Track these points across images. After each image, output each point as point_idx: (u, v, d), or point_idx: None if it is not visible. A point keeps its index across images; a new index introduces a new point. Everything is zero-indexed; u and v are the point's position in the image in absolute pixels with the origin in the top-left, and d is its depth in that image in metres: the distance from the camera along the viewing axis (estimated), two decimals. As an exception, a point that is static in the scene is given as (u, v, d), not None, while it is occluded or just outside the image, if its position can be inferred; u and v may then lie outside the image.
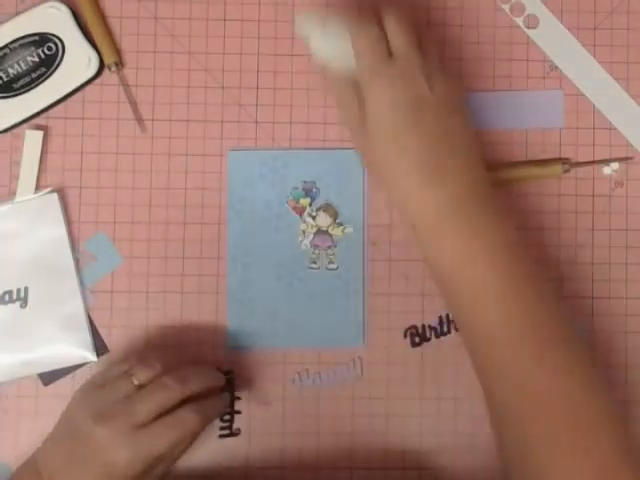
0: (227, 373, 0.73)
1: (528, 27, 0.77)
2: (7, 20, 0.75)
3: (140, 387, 0.65)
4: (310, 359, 0.74)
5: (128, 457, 0.61)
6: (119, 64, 0.75)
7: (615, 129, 0.77)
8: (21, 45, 0.74)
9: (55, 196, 0.74)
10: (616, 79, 0.77)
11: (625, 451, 0.59)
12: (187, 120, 0.76)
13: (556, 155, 0.76)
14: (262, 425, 0.74)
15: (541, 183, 0.76)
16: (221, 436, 0.73)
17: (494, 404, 0.63)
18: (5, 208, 0.74)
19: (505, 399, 0.62)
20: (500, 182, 0.76)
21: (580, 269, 0.76)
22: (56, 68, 0.74)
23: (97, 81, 0.75)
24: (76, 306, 0.73)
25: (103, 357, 0.74)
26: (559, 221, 0.76)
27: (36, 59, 0.74)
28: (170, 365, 0.67)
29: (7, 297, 0.73)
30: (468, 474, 0.74)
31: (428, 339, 0.75)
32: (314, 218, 0.75)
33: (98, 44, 0.75)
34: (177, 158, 0.76)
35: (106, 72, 0.75)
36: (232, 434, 0.73)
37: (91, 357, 0.74)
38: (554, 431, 0.59)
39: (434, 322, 0.75)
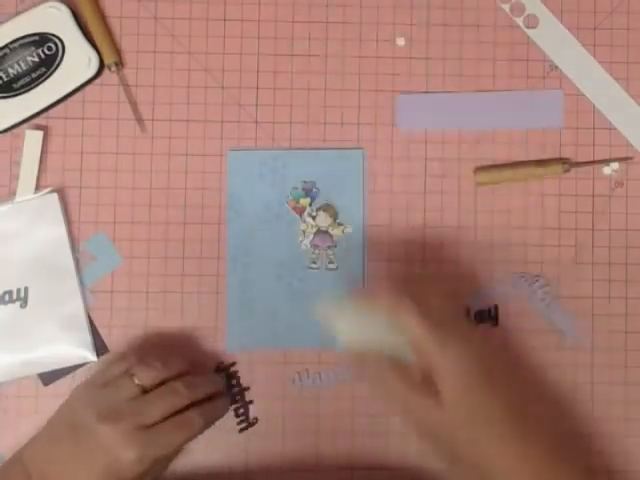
0: (229, 367, 0.73)
1: (528, 27, 0.77)
2: (7, 20, 0.75)
3: (142, 387, 0.66)
4: (310, 359, 0.74)
5: (134, 457, 0.62)
6: (119, 64, 0.75)
7: (615, 129, 0.77)
8: (21, 45, 0.74)
9: (55, 196, 0.74)
10: (616, 79, 0.77)
11: None
12: (187, 120, 0.76)
13: (556, 155, 0.77)
14: (262, 425, 0.74)
15: (541, 183, 0.76)
16: (241, 430, 0.73)
17: None
18: (5, 208, 0.74)
19: None
20: (500, 182, 0.76)
21: (580, 269, 0.76)
22: (56, 68, 0.74)
23: (97, 81, 0.75)
24: (76, 306, 0.73)
25: (103, 357, 0.74)
26: (559, 221, 0.76)
27: (36, 59, 0.74)
28: (169, 363, 0.68)
29: (7, 297, 0.73)
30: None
31: (428, 339, 0.75)
32: (314, 218, 0.75)
33: (98, 44, 0.75)
34: (177, 158, 0.76)
35: (106, 72, 0.75)
36: (250, 424, 0.73)
37: (91, 357, 0.74)
38: None
39: (434, 322, 0.75)
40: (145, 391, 0.66)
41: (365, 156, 0.76)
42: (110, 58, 0.75)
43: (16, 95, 0.74)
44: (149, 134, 0.76)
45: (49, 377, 0.74)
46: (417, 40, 0.77)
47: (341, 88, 0.76)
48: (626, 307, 0.76)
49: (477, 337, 0.66)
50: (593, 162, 0.76)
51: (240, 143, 0.76)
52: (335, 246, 0.75)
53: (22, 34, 0.74)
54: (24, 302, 0.73)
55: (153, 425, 0.64)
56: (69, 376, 0.74)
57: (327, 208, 0.75)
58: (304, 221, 0.75)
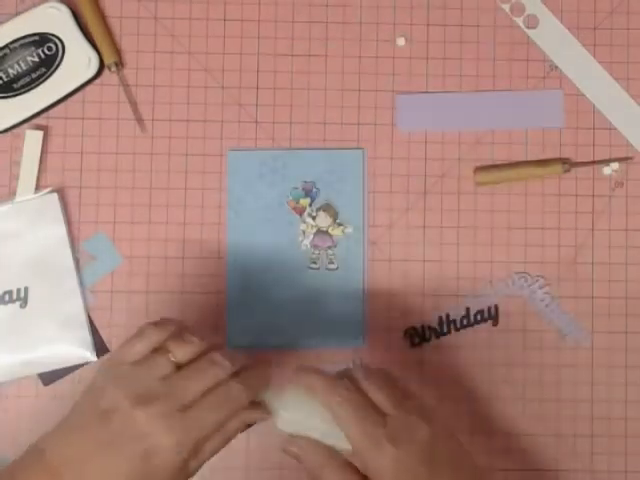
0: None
1: (528, 27, 0.77)
2: (7, 20, 0.75)
3: (177, 364, 0.59)
4: (310, 359, 0.74)
5: (174, 442, 0.56)
6: (119, 64, 0.75)
7: (615, 129, 0.77)
8: (21, 45, 0.74)
9: (55, 196, 0.74)
10: (616, 79, 0.77)
11: None
12: (187, 120, 0.76)
13: (556, 155, 0.77)
14: (262, 425, 0.74)
15: (541, 183, 0.76)
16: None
17: None
18: (5, 208, 0.74)
19: None
20: (500, 182, 0.76)
21: (580, 269, 0.76)
22: (56, 68, 0.74)
23: (97, 81, 0.75)
24: (76, 306, 0.73)
25: (103, 357, 0.74)
26: (559, 221, 0.76)
27: (36, 59, 0.74)
28: (206, 338, 0.61)
29: (7, 297, 0.73)
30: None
31: (428, 339, 0.75)
32: (314, 218, 0.75)
33: (98, 44, 0.75)
34: (177, 158, 0.76)
35: (106, 72, 0.75)
36: (249, 425, 0.72)
37: (91, 357, 0.74)
38: None
39: (434, 322, 0.75)
40: (179, 367, 0.59)
41: (365, 156, 0.76)
42: (110, 58, 0.75)
43: (16, 95, 0.74)
44: (149, 134, 0.76)
45: (49, 377, 0.74)
46: (417, 40, 0.77)
47: (341, 88, 0.76)
48: (626, 307, 0.76)
49: (422, 433, 0.60)
50: (593, 162, 0.76)
51: (240, 143, 0.76)
52: (335, 246, 0.75)
53: (22, 34, 0.74)
54: (24, 302, 0.73)
55: (193, 404, 0.57)
56: (69, 376, 0.74)
57: (327, 208, 0.75)
58: (304, 221, 0.75)
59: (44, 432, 0.59)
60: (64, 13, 0.74)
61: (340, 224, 0.75)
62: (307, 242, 0.75)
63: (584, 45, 0.77)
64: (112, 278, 0.75)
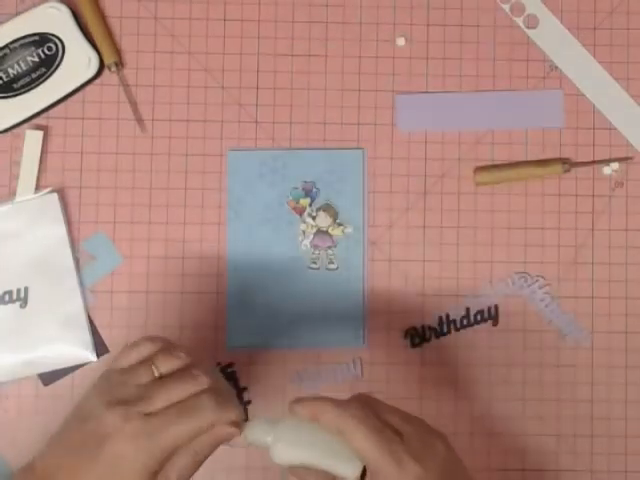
0: (226, 368, 0.73)
1: (528, 27, 0.77)
2: (7, 20, 0.75)
3: (161, 376, 0.59)
4: (310, 359, 0.74)
5: (135, 446, 0.55)
6: (119, 64, 0.75)
7: (615, 129, 0.77)
8: (21, 45, 0.74)
9: (55, 196, 0.74)
10: (616, 79, 0.77)
11: None
12: (187, 120, 0.76)
13: (556, 155, 0.77)
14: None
15: (541, 183, 0.76)
16: None
17: None
18: (5, 208, 0.74)
19: None
20: (500, 182, 0.76)
21: (580, 269, 0.76)
22: (56, 68, 0.74)
23: (97, 81, 0.75)
24: (76, 306, 0.73)
25: (103, 357, 0.74)
26: (559, 221, 0.76)
27: (36, 59, 0.74)
28: (191, 353, 0.61)
29: (7, 297, 0.73)
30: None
31: (428, 339, 0.75)
32: (314, 218, 0.75)
33: (98, 44, 0.75)
34: (177, 158, 0.76)
35: (106, 72, 0.75)
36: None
37: (91, 357, 0.74)
38: None
39: (434, 322, 0.75)
40: (161, 378, 0.59)
41: (365, 156, 0.76)
42: (110, 58, 0.75)
43: (16, 95, 0.74)
44: (149, 134, 0.76)
45: (49, 377, 0.74)
46: (417, 40, 0.77)
47: (341, 88, 0.76)
48: (626, 307, 0.76)
49: (439, 449, 0.59)
50: (593, 162, 0.76)
51: (240, 143, 0.76)
52: (335, 246, 0.75)
53: (22, 34, 0.74)
54: (24, 302, 0.73)
55: (160, 411, 0.57)
56: (69, 376, 0.74)
57: (327, 208, 0.75)
58: (304, 221, 0.75)
59: (44, 432, 0.59)
60: (64, 13, 0.74)
61: (340, 224, 0.75)
62: (307, 242, 0.75)
63: (584, 45, 0.77)
64: (112, 278, 0.75)
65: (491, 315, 0.75)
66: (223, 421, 0.58)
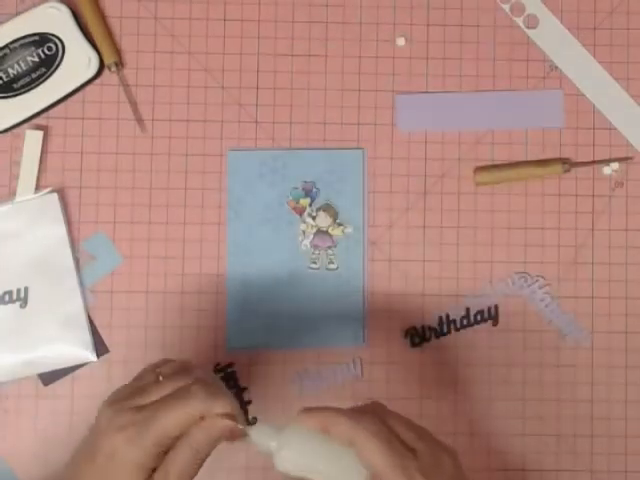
0: (226, 368, 0.73)
1: (528, 27, 0.77)
2: (7, 20, 0.75)
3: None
4: (310, 359, 0.74)
5: (125, 437, 0.55)
6: (119, 64, 0.75)
7: (615, 129, 0.77)
8: (21, 45, 0.74)
9: (55, 196, 0.74)
10: (616, 79, 0.77)
11: None
12: (187, 120, 0.76)
13: (556, 155, 0.77)
14: (262, 425, 0.74)
15: (541, 183, 0.76)
16: None
17: None
18: (5, 208, 0.74)
19: None
20: (500, 182, 0.76)
21: (580, 269, 0.76)
22: (56, 68, 0.74)
23: (97, 81, 0.75)
24: (76, 306, 0.73)
25: (103, 357, 0.74)
26: (559, 221, 0.76)
27: (36, 59, 0.74)
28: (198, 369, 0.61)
29: (7, 297, 0.73)
30: (467, 474, 0.74)
31: (428, 339, 0.75)
32: (314, 218, 0.75)
33: (98, 44, 0.75)
34: (177, 158, 0.76)
35: (106, 72, 0.75)
36: (249, 425, 0.72)
37: (91, 357, 0.74)
38: None
39: (434, 322, 0.75)
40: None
41: (365, 156, 0.76)
42: (110, 58, 0.75)
43: (16, 95, 0.74)
44: (149, 134, 0.76)
45: (49, 377, 0.74)
46: (417, 40, 0.77)
47: (341, 88, 0.76)
48: (626, 307, 0.76)
49: (448, 467, 0.58)
50: (593, 162, 0.76)
51: (240, 143, 0.76)
52: (335, 246, 0.75)
53: (22, 34, 0.74)
54: (24, 302, 0.73)
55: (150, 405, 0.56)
56: (69, 376, 0.74)
57: (327, 208, 0.75)
58: (304, 221, 0.75)
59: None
60: (64, 13, 0.74)
61: (340, 224, 0.75)
62: (307, 242, 0.75)
63: (584, 45, 0.77)
64: (112, 278, 0.75)
65: (491, 315, 0.75)
66: (213, 411, 0.56)
